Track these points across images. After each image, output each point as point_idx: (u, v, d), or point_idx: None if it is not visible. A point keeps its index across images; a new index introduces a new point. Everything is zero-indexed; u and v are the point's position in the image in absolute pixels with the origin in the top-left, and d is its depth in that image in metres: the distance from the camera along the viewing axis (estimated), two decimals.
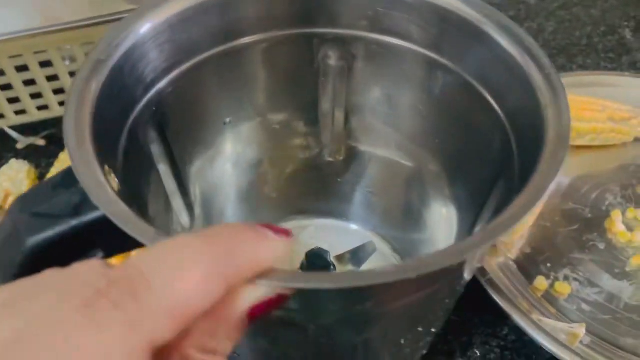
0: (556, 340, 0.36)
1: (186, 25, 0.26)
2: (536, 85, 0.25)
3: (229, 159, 0.33)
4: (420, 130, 0.31)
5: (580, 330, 0.37)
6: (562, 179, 0.48)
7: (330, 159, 0.34)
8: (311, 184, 0.36)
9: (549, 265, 0.42)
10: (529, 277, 0.41)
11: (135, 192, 0.26)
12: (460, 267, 0.23)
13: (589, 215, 0.45)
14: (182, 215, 0.33)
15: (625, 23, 0.66)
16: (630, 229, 0.44)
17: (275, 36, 0.28)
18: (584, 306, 0.39)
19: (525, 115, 0.25)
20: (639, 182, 0.47)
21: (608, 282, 0.41)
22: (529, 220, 0.42)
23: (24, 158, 0.48)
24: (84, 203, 0.20)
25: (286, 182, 0.35)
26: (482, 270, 0.39)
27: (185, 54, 0.27)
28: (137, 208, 0.26)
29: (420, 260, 0.19)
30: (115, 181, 0.22)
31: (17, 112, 0.50)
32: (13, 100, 0.49)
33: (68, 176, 0.21)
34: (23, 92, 0.49)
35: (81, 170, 0.20)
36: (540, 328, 0.36)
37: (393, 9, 0.27)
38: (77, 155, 0.21)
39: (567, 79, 0.54)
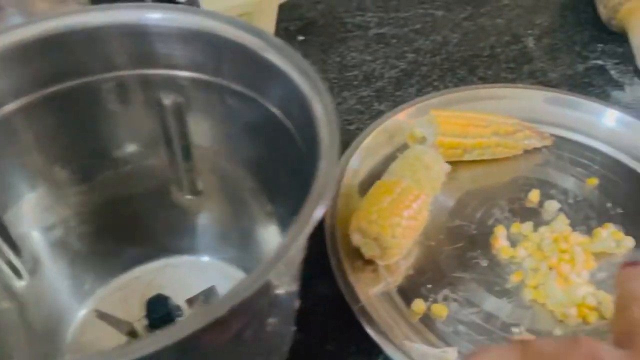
0: None
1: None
2: (321, 133, 0.24)
3: (56, 212, 0.32)
4: (238, 154, 0.31)
5: (452, 355, 0.36)
6: (448, 197, 0.47)
7: (179, 197, 0.34)
8: (160, 223, 0.35)
9: (429, 286, 0.41)
10: (408, 301, 0.40)
11: None
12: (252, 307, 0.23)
13: (474, 232, 0.45)
14: (14, 274, 0.32)
15: (530, 31, 0.66)
16: (514, 244, 0.44)
17: (60, 90, 0.27)
18: (461, 327, 0.39)
19: (311, 139, 0.25)
20: (527, 195, 0.47)
21: (487, 301, 0.41)
22: (405, 243, 0.41)
23: None
24: None
25: (136, 225, 0.34)
26: (354, 299, 0.39)
27: None
28: None
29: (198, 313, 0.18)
30: None
31: None
32: None
33: None
34: None
35: None
36: (410, 357, 0.36)
37: (171, 43, 0.26)
38: None
39: (464, 93, 0.54)
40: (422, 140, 0.49)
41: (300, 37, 0.66)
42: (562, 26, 0.67)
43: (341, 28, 0.68)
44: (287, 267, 0.25)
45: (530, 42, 0.65)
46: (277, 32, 0.65)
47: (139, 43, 0.26)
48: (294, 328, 0.32)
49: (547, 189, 0.48)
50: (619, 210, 0.46)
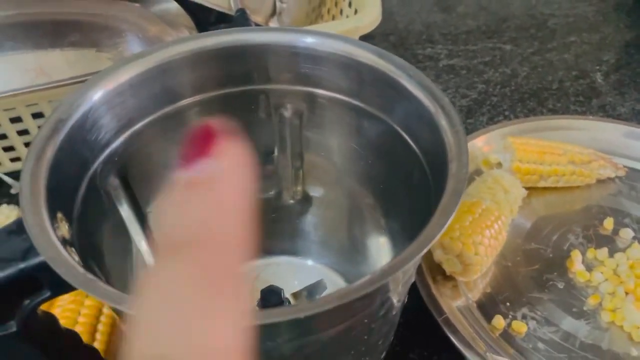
0: None
1: (134, 90, 0.29)
2: (447, 141, 0.27)
3: None
4: (358, 170, 0.34)
5: None
6: (524, 220, 0.49)
7: (287, 202, 0.37)
8: (270, 225, 0.38)
9: (508, 304, 0.43)
10: (488, 317, 0.42)
11: (93, 237, 0.29)
12: (368, 301, 0.25)
13: (550, 255, 0.47)
14: (149, 257, 0.36)
15: (597, 67, 0.68)
16: (589, 269, 0.45)
17: (224, 94, 0.31)
18: (540, 345, 0.41)
19: (438, 162, 0.27)
20: (601, 222, 0.49)
21: (565, 321, 0.42)
22: (486, 261, 0.43)
23: (16, 204, 0.51)
24: (32, 248, 0.23)
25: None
26: (438, 310, 0.41)
27: (136, 114, 0.30)
28: (91, 251, 0.28)
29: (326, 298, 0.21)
30: (65, 227, 0.25)
31: (12, 160, 0.54)
32: (8, 149, 0.53)
33: (20, 224, 0.23)
34: (17, 141, 0.53)
35: (29, 219, 0.23)
36: None
37: (317, 65, 0.30)
38: (27, 206, 0.23)
39: (536, 123, 0.57)
40: (497, 166, 0.52)
41: None
42: (629, 63, 0.69)
43: (412, 59, 0.71)
44: (403, 275, 0.27)
45: (599, 77, 0.67)
46: None
47: (291, 62, 0.30)
48: (392, 337, 0.34)
49: (621, 218, 0.49)
50: None
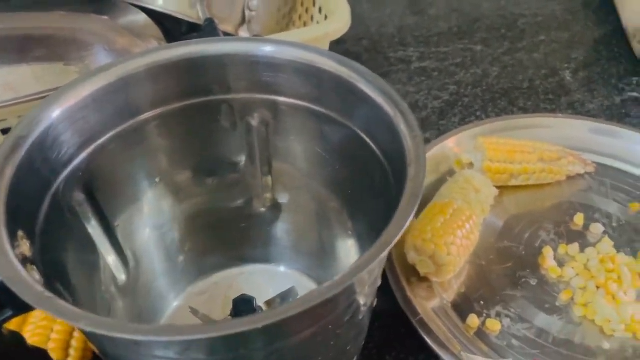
0: None
1: (96, 104, 0.29)
2: (406, 145, 0.27)
3: (160, 215, 0.36)
4: (324, 175, 0.34)
5: None
6: (497, 219, 0.50)
7: (258, 209, 0.37)
8: (241, 234, 0.39)
9: (482, 303, 0.44)
10: (463, 316, 0.43)
11: (57, 253, 0.29)
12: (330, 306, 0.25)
13: (523, 253, 0.47)
14: (118, 271, 0.36)
15: (566, 65, 0.70)
16: (561, 264, 0.46)
17: (186, 105, 0.31)
18: (514, 342, 0.41)
19: (399, 166, 0.28)
20: (572, 218, 0.50)
21: (538, 318, 0.43)
22: (459, 261, 0.44)
23: None
24: None
25: (217, 234, 0.38)
26: (413, 312, 0.41)
27: (99, 129, 0.30)
28: (56, 268, 0.28)
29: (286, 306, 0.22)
30: (26, 245, 0.25)
31: None
32: None
33: None
34: None
35: None
36: None
37: (278, 73, 0.30)
38: None
39: (507, 122, 0.58)
40: (469, 166, 0.52)
41: None
42: (598, 60, 0.70)
43: (385, 62, 0.72)
44: (368, 276, 0.28)
45: (568, 76, 0.68)
46: None
47: (251, 71, 0.30)
48: (362, 342, 0.35)
49: (591, 213, 0.50)
50: None
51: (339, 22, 0.57)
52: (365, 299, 0.29)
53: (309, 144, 0.34)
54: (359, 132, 0.31)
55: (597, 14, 0.78)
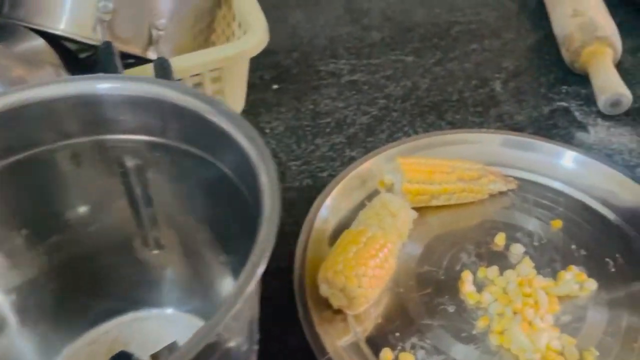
0: None
1: None
2: (264, 189, 0.26)
3: (32, 266, 0.33)
4: (197, 209, 0.33)
5: None
6: (418, 242, 0.49)
7: (140, 252, 0.35)
8: (128, 279, 0.37)
9: (397, 334, 0.42)
10: (377, 350, 0.41)
11: None
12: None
13: (442, 277, 0.46)
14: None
15: (497, 75, 0.69)
16: (480, 289, 0.45)
17: (41, 151, 0.29)
18: None
19: (257, 200, 0.26)
20: (493, 238, 0.49)
21: (454, 348, 0.42)
22: (371, 292, 0.42)
23: None
24: None
25: (100, 280, 0.36)
26: (321, 350, 0.39)
27: None
28: None
29: None
30: None
31: None
32: None
33: None
34: None
35: None
36: None
37: (133, 111, 0.28)
38: None
39: (431, 139, 0.57)
40: (392, 187, 0.51)
41: (275, 86, 0.69)
42: (528, 69, 0.70)
43: (315, 76, 0.70)
44: (236, 321, 0.26)
45: (498, 86, 0.68)
46: (252, 81, 0.67)
47: (91, 111, 0.28)
48: None
49: (513, 232, 0.49)
50: (583, 252, 0.47)
51: (255, 38, 0.55)
52: (240, 342, 0.27)
53: (173, 180, 0.32)
54: (222, 166, 0.29)
55: (531, 20, 0.78)
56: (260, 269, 0.23)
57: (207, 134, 0.29)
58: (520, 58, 0.72)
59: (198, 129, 0.29)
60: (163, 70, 0.47)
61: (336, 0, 0.84)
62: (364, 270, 0.41)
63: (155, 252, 0.36)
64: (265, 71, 0.71)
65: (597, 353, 0.41)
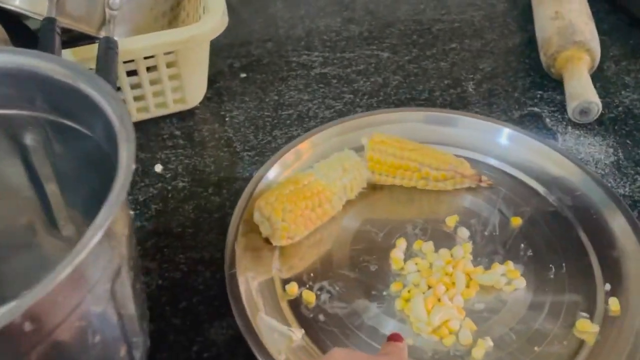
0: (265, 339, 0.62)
1: None
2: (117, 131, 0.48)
3: None
4: (81, 184, 0.57)
5: (297, 335, 0.64)
6: (373, 205, 0.78)
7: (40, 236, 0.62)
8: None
9: (311, 275, 0.70)
10: (287, 284, 0.69)
11: None
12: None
13: (379, 239, 0.75)
14: None
15: (471, 76, 0.99)
16: (408, 257, 0.73)
17: None
18: (321, 316, 0.67)
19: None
20: (445, 219, 0.77)
21: (358, 301, 0.69)
22: (295, 229, 0.70)
23: None
24: None
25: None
26: (231, 263, 0.68)
27: None
28: None
29: None
30: None
31: None
32: None
33: None
34: None
35: None
36: (258, 327, 0.63)
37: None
38: None
39: (358, 121, 0.88)
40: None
41: (243, 75, 1.00)
42: (505, 72, 1.00)
43: (285, 67, 1.02)
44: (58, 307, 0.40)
45: (470, 87, 0.98)
46: (221, 69, 0.99)
47: None
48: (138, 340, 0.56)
49: (469, 217, 0.77)
50: (529, 253, 0.74)
51: (209, 23, 0.85)
52: (96, 301, 0.44)
53: (60, 159, 0.56)
54: (96, 138, 0.50)
55: (517, 21, 1.09)
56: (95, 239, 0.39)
57: (74, 103, 0.48)
58: (498, 60, 1.02)
59: (66, 99, 0.49)
60: (108, 50, 0.75)
61: None
62: (291, 207, 0.70)
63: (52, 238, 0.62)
64: (235, 59, 1.03)
65: (492, 344, 0.64)
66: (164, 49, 0.84)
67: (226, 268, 0.69)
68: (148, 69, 0.87)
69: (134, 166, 0.45)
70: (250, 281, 0.69)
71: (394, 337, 0.57)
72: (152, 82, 0.88)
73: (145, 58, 0.85)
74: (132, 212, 0.56)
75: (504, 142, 0.86)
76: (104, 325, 0.47)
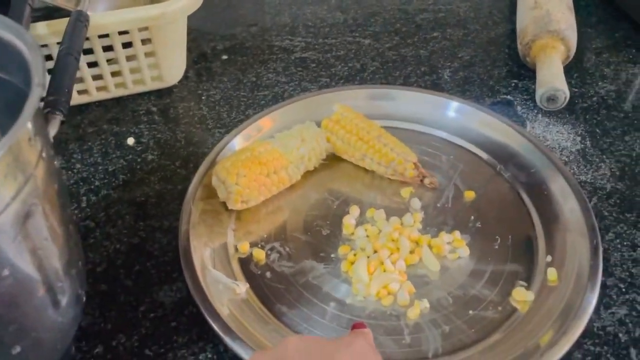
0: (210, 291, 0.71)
1: None
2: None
3: None
4: None
5: (241, 288, 0.74)
6: (333, 175, 0.88)
7: None
8: None
9: (265, 236, 0.80)
10: (240, 244, 0.78)
11: None
12: None
13: (335, 206, 0.84)
14: None
15: (449, 64, 1.09)
16: (360, 224, 0.82)
17: None
18: (268, 274, 0.76)
19: None
20: (399, 192, 0.86)
21: (306, 261, 0.78)
22: (248, 193, 0.79)
23: None
24: None
25: None
26: (185, 225, 0.77)
27: None
28: None
29: None
30: None
31: None
32: None
33: None
34: None
35: None
36: (205, 280, 0.72)
37: None
38: None
39: (306, 100, 0.98)
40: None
41: (224, 57, 1.11)
42: (483, 61, 1.09)
43: (267, 50, 1.12)
44: None
45: (446, 74, 1.07)
46: (204, 50, 1.10)
47: None
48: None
49: (424, 190, 0.87)
50: (478, 225, 0.83)
51: (182, 1, 0.95)
52: None
53: None
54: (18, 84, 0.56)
55: (502, 13, 1.19)
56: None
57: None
58: (478, 49, 1.12)
59: None
60: (77, 22, 0.84)
61: None
62: (246, 172, 0.79)
63: None
64: (219, 42, 1.14)
65: (428, 305, 0.73)
66: (136, 24, 0.94)
67: (180, 228, 0.78)
68: (124, 45, 0.97)
69: (41, 104, 0.54)
70: (205, 242, 0.78)
71: (358, 326, 0.60)
72: (129, 59, 0.99)
73: (120, 34, 0.95)
74: (57, 163, 0.63)
75: (460, 117, 0.96)
76: (14, 261, 0.52)
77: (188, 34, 1.06)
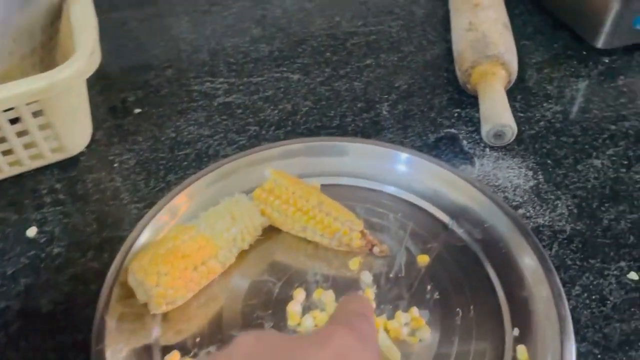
0: None
1: None
2: None
3: None
4: None
5: None
6: (270, 250, 0.83)
7: None
8: None
9: (197, 340, 0.73)
10: (166, 352, 0.72)
11: None
12: None
13: (276, 290, 0.78)
14: None
15: (386, 96, 1.05)
16: (308, 310, 0.77)
17: None
18: None
19: None
20: (347, 264, 0.81)
21: None
22: (173, 294, 0.72)
23: None
24: None
25: None
26: (99, 339, 0.70)
27: None
28: None
29: None
30: None
31: None
32: None
33: None
34: None
35: None
36: None
37: None
38: None
39: (238, 161, 0.91)
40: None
41: (137, 110, 1.04)
42: (422, 89, 1.06)
43: (185, 97, 1.07)
44: None
45: (385, 109, 1.03)
46: (114, 104, 1.04)
47: None
48: None
49: (374, 258, 0.82)
50: (436, 296, 0.78)
51: (75, 65, 0.84)
52: None
53: None
54: None
55: (437, 30, 1.16)
56: None
57: None
58: (415, 76, 1.08)
59: None
60: None
61: (231, 5, 1.23)
62: (167, 269, 0.71)
63: None
64: (130, 92, 1.07)
65: None
66: (19, 101, 0.83)
67: (93, 345, 0.70)
68: (13, 121, 0.86)
69: None
70: (125, 357, 0.71)
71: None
72: (20, 134, 0.87)
73: (5, 111, 0.84)
74: None
75: (407, 170, 0.92)
76: None
77: (94, 84, 1.00)
